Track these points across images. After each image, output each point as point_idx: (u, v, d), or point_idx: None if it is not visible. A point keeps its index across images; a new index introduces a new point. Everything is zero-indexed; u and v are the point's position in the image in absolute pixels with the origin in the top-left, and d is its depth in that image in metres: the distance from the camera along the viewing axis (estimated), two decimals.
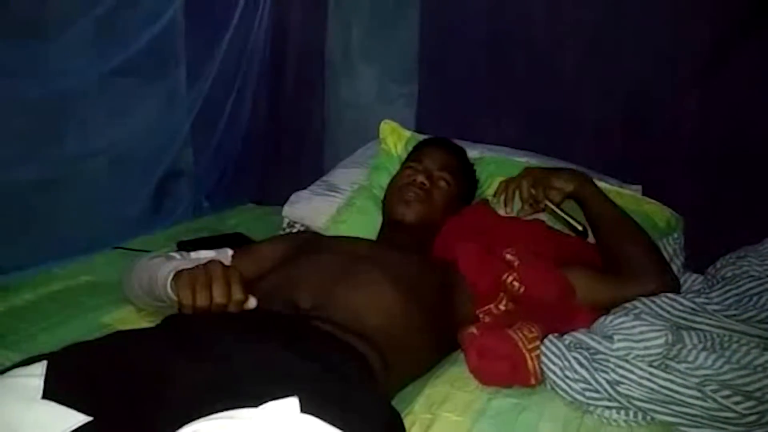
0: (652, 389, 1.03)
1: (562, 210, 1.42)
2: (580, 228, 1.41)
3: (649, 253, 1.31)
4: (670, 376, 1.03)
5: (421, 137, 1.87)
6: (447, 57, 2.06)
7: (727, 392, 1.00)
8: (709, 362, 1.04)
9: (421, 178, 1.48)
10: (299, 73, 2.30)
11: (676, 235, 1.51)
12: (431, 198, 1.48)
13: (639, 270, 1.27)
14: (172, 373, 0.79)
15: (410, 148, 1.80)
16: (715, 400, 0.99)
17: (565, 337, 1.16)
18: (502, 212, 1.51)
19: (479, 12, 1.97)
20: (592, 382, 1.06)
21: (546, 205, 1.42)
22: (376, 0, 2.19)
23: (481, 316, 1.28)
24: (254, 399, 0.70)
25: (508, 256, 1.30)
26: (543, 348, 1.13)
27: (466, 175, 1.61)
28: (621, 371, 1.05)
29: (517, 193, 1.46)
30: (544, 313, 1.21)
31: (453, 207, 1.54)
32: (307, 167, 2.25)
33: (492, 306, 1.28)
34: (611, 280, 1.29)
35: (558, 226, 1.50)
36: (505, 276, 1.26)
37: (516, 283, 1.25)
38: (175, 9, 1.85)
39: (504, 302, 1.28)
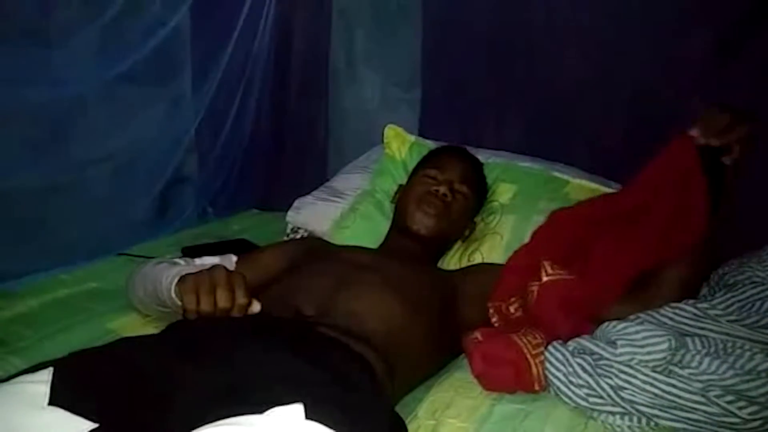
0: (655, 395, 1.03)
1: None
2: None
3: (691, 275, 1.24)
4: (674, 382, 1.03)
5: (425, 142, 1.88)
6: (450, 62, 2.06)
7: (730, 397, 1.00)
8: (713, 367, 1.04)
9: (443, 190, 1.46)
10: (303, 79, 2.31)
11: None
12: (450, 211, 1.46)
13: (665, 290, 1.21)
14: (177, 379, 0.80)
15: (414, 153, 1.81)
16: (718, 406, 0.99)
17: (569, 343, 1.16)
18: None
19: (481, 17, 1.97)
20: (596, 387, 1.06)
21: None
22: (378, 6, 2.19)
23: (491, 310, 1.28)
24: (259, 405, 0.70)
25: (543, 273, 1.24)
26: (547, 354, 1.13)
27: (480, 188, 1.60)
28: (624, 377, 1.05)
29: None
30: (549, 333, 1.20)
31: (465, 219, 1.53)
32: (311, 173, 2.25)
33: (503, 304, 1.28)
34: (630, 303, 1.22)
35: None
36: (531, 284, 1.25)
37: (535, 290, 1.24)
38: (180, 16, 1.86)
39: (515, 306, 1.28)
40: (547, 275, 1.25)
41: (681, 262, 1.21)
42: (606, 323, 1.16)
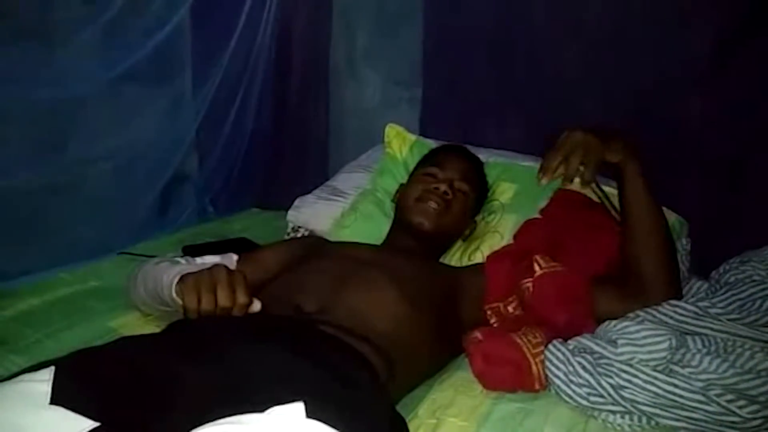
0: (656, 394, 1.03)
1: (604, 194, 1.34)
2: (617, 217, 1.32)
3: (665, 263, 1.24)
4: (674, 381, 1.03)
5: (426, 141, 1.88)
6: (450, 61, 2.06)
7: (731, 396, 1.00)
8: (713, 366, 1.04)
9: (443, 188, 1.46)
10: (304, 78, 2.31)
11: (684, 241, 1.51)
12: (450, 209, 1.46)
13: (648, 283, 1.22)
14: (178, 378, 0.80)
15: (415, 152, 1.81)
16: (719, 405, 0.99)
17: (570, 342, 1.17)
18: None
19: (482, 16, 1.97)
20: (597, 386, 1.06)
21: (591, 186, 1.27)
22: (380, 5, 2.19)
23: (488, 312, 1.28)
24: (260, 404, 0.70)
25: (536, 266, 1.26)
26: (547, 353, 1.13)
27: (481, 187, 1.60)
28: (625, 376, 1.05)
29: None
30: (549, 329, 1.20)
31: (465, 218, 1.53)
32: (312, 172, 2.25)
33: (501, 305, 1.28)
34: (618, 295, 1.24)
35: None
36: (523, 280, 1.26)
37: (530, 285, 1.25)
38: (181, 15, 1.86)
39: (513, 305, 1.28)
40: (541, 268, 1.25)
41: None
42: (606, 322, 1.16)
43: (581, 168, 1.20)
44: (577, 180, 1.21)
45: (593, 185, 1.29)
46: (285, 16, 2.21)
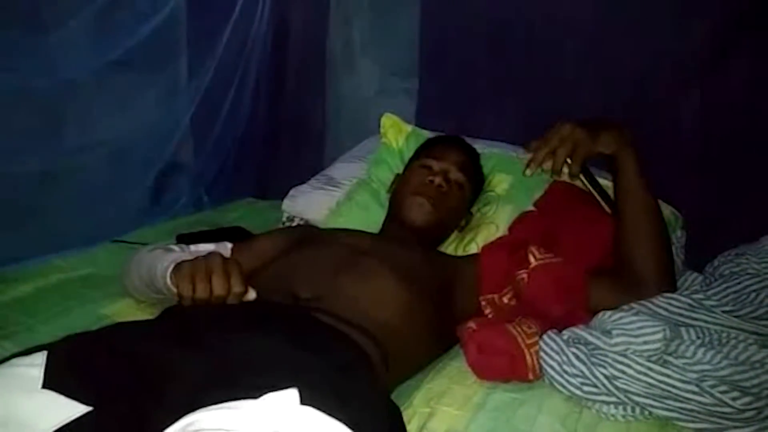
0: (649, 384, 1.03)
1: (594, 187, 1.33)
2: (608, 210, 1.33)
3: (660, 255, 1.24)
4: (668, 372, 1.03)
5: (422, 131, 1.87)
6: (448, 51, 2.05)
7: (724, 388, 1.00)
8: (707, 358, 1.04)
9: (439, 181, 1.44)
10: (300, 67, 2.30)
11: (679, 234, 1.52)
12: (445, 202, 1.45)
13: (643, 275, 1.22)
14: (171, 364, 0.79)
15: (411, 142, 1.80)
16: (712, 396, 1.00)
17: (564, 332, 1.17)
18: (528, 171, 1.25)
19: (480, 6, 1.97)
20: (590, 377, 1.06)
21: (580, 178, 1.28)
22: None
23: (483, 303, 1.28)
24: (254, 390, 0.70)
25: (531, 257, 1.26)
26: (541, 343, 1.13)
27: (477, 178, 1.59)
28: (619, 366, 1.05)
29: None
30: (544, 321, 1.20)
31: (461, 210, 1.53)
32: (308, 161, 2.25)
33: (495, 296, 1.28)
34: (613, 287, 1.24)
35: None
36: (518, 271, 1.26)
37: (525, 276, 1.24)
38: (176, 1, 1.85)
39: (509, 296, 1.28)
40: (536, 260, 1.25)
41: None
42: (602, 313, 1.16)
43: (568, 161, 1.22)
44: (565, 171, 1.22)
45: (582, 177, 1.29)
46: (282, 3, 2.20)
